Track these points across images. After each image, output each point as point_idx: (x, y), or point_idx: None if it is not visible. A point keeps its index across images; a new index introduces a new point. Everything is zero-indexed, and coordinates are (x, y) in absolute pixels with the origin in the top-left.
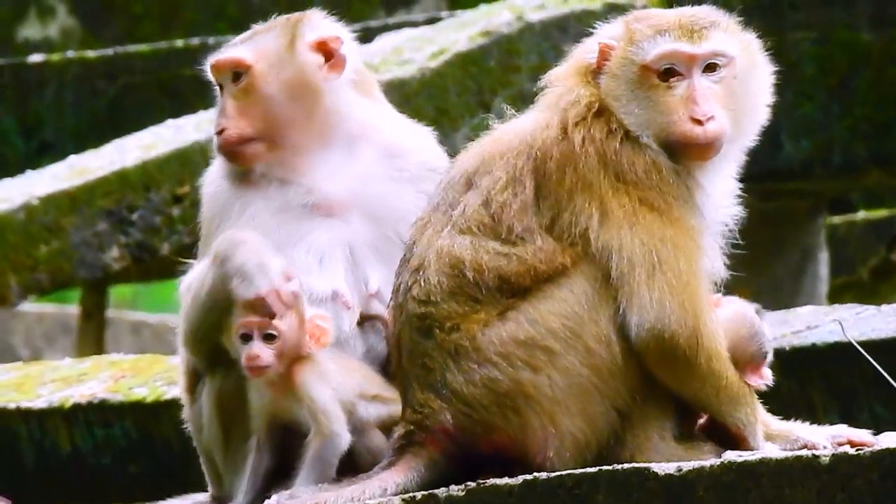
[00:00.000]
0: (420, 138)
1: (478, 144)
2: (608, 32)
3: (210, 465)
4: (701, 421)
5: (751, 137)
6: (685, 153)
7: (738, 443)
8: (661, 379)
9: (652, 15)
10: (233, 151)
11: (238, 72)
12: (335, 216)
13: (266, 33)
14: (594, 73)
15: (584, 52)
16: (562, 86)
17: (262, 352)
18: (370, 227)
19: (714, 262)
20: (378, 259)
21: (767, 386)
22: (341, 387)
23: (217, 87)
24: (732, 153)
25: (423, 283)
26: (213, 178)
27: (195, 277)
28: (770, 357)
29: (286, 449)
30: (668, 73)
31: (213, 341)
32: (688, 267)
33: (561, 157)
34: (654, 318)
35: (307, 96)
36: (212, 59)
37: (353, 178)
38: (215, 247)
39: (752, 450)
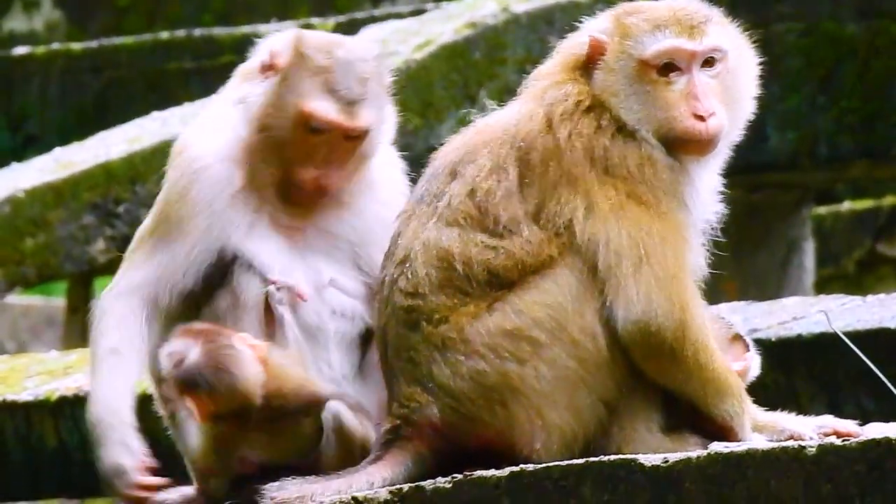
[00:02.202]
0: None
1: (461, 136)
2: (597, 26)
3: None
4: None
5: (739, 131)
6: (685, 148)
7: (725, 435)
8: (647, 372)
9: (644, 8)
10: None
11: (349, 136)
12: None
13: (376, 96)
14: (584, 67)
15: (571, 47)
16: (548, 81)
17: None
18: (326, 239)
19: (697, 259)
20: (327, 260)
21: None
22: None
23: (316, 131)
24: (722, 148)
25: (410, 276)
26: (220, 159)
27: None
28: (750, 344)
29: None
30: (667, 67)
31: None
32: (675, 260)
33: (544, 151)
34: (641, 311)
35: None
36: (337, 121)
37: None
38: None
39: (739, 442)
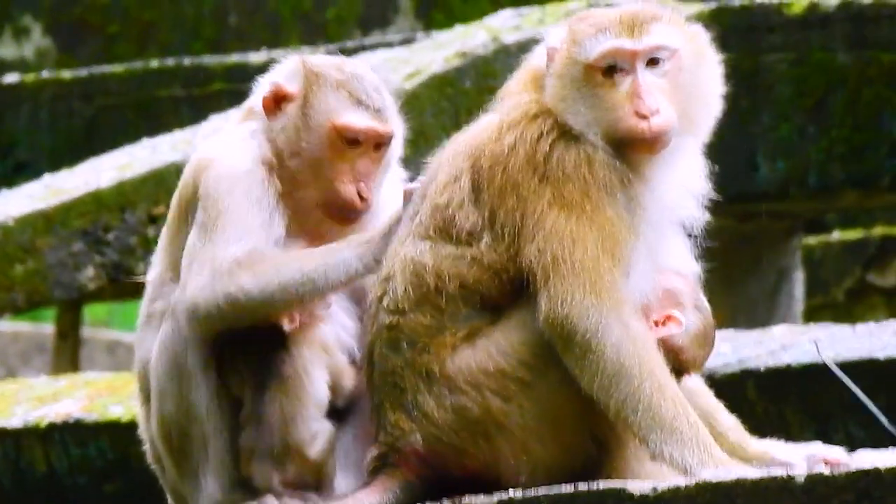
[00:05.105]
0: None
1: (435, 157)
2: (556, 35)
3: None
4: None
5: (705, 130)
6: (632, 148)
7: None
8: (577, 378)
9: (594, 14)
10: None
11: (380, 143)
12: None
13: (392, 105)
14: (542, 77)
15: (532, 60)
16: (507, 94)
17: None
18: None
19: (672, 260)
20: None
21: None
22: None
23: (352, 143)
24: (686, 147)
25: (391, 293)
26: (252, 164)
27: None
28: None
29: None
30: (612, 69)
31: None
32: (583, 255)
33: (492, 157)
34: (548, 309)
35: None
36: (373, 127)
37: None
38: None
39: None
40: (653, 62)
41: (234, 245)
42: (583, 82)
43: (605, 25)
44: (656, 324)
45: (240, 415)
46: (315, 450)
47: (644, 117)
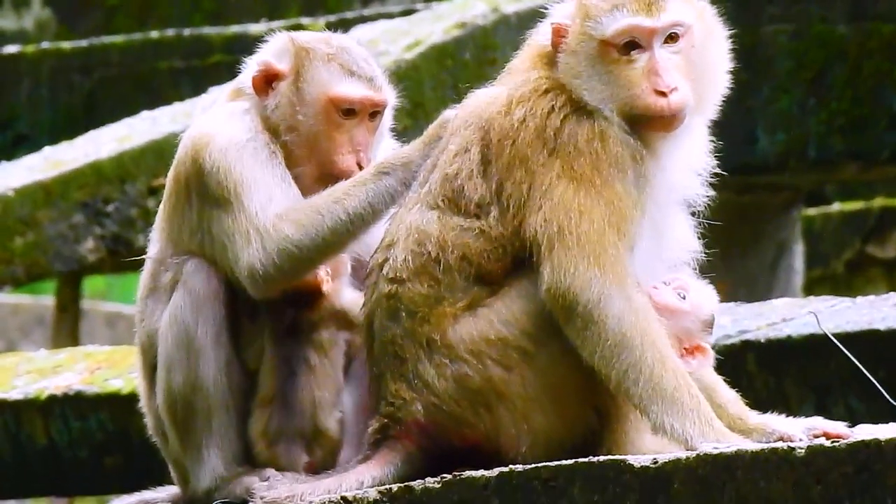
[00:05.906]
0: None
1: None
2: (561, 12)
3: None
4: None
5: (713, 107)
6: (650, 125)
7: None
8: (578, 349)
9: None
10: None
11: (375, 111)
12: None
13: (383, 74)
14: (550, 54)
15: (538, 37)
16: (515, 70)
17: None
18: None
19: (675, 237)
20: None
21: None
22: None
23: (348, 113)
24: (695, 124)
25: (392, 261)
26: (250, 134)
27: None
28: (709, 347)
29: None
30: (629, 46)
31: None
32: (589, 227)
33: (501, 131)
34: (551, 280)
35: None
36: (368, 96)
37: None
38: None
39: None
40: (669, 39)
41: (268, 205)
42: (598, 58)
43: (621, 1)
44: (686, 351)
45: (257, 395)
46: (338, 432)
47: (662, 94)
